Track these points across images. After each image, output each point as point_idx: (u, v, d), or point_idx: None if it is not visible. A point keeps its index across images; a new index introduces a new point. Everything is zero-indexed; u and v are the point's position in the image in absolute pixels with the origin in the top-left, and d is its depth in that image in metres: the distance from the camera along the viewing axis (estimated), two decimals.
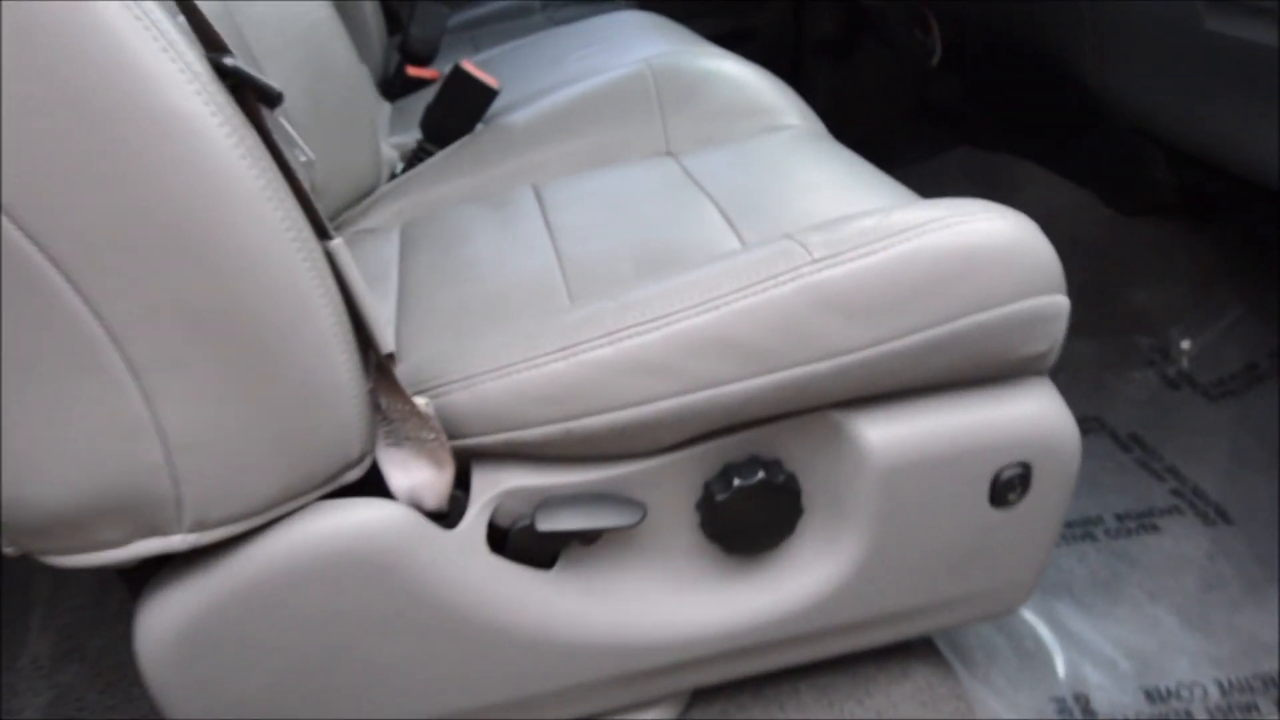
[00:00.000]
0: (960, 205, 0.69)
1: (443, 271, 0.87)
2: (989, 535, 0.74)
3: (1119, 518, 1.16)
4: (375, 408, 0.65)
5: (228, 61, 0.54)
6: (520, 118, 1.13)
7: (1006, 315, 0.66)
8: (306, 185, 0.58)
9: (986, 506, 0.73)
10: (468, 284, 0.83)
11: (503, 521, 0.68)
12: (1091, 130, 1.39)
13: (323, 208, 1.07)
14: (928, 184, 1.72)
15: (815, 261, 0.64)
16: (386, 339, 0.61)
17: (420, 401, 0.64)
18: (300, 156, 0.59)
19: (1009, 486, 0.72)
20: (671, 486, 0.69)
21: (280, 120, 0.58)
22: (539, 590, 0.69)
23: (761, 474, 0.68)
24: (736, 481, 0.67)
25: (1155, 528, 1.14)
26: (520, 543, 0.68)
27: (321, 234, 0.59)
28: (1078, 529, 1.14)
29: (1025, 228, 0.68)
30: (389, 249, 0.96)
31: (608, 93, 1.11)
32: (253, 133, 0.55)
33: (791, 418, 0.69)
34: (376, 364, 0.63)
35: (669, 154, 1.06)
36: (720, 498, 0.68)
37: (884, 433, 0.69)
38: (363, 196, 1.10)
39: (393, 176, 1.15)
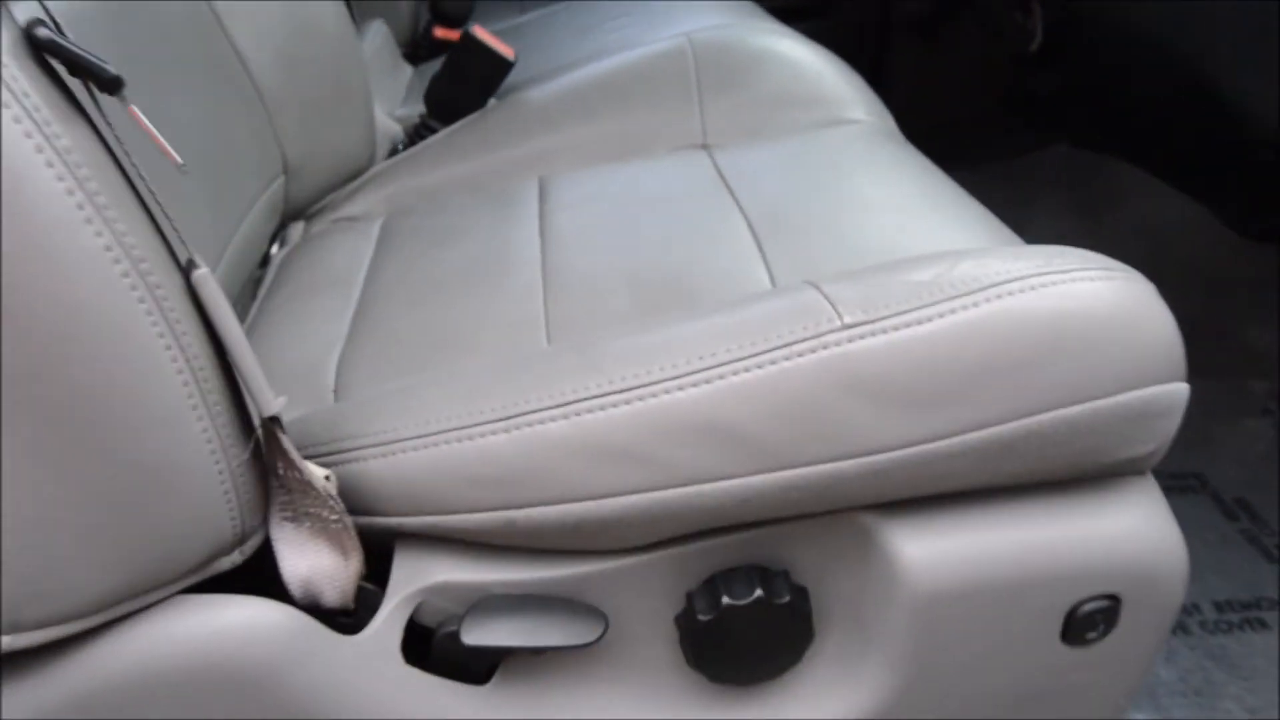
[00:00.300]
0: (1056, 256, 0.52)
1: (410, 285, 0.72)
2: (1056, 678, 0.57)
3: (1218, 607, 0.97)
4: (270, 474, 0.51)
5: (41, 33, 0.40)
6: (536, 95, 0.97)
7: (1106, 410, 0.49)
8: (159, 203, 0.44)
9: (1057, 644, 0.56)
10: (433, 305, 0.69)
11: (429, 620, 0.54)
12: (1216, 138, 1.18)
13: (299, 191, 0.94)
14: (1016, 185, 1.52)
15: (846, 328, 0.48)
16: (266, 399, 0.47)
17: (316, 473, 0.49)
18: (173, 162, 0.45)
19: (1088, 623, 0.55)
20: (643, 593, 0.54)
21: (133, 113, 0.44)
22: (467, 712, 0.54)
23: (759, 592, 0.52)
24: (725, 600, 0.52)
25: (1263, 623, 0.96)
26: (445, 651, 0.53)
27: (185, 264, 0.45)
28: None
29: (1139, 294, 0.51)
30: (363, 246, 0.82)
31: (639, 71, 0.95)
32: (74, 130, 0.40)
33: (805, 519, 0.53)
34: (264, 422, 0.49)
35: (704, 146, 0.89)
36: (704, 618, 0.52)
37: (927, 547, 0.52)
38: (354, 175, 0.95)
39: (394, 154, 1.01)
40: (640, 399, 0.48)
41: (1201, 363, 1.23)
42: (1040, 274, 0.50)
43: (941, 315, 0.48)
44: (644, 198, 0.78)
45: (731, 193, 0.77)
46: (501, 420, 0.50)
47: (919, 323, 0.47)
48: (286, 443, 0.48)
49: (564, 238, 0.73)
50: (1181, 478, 1.10)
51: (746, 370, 0.48)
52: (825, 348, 0.47)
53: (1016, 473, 0.51)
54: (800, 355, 0.47)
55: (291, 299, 0.76)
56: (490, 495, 0.50)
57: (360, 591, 0.53)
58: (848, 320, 0.48)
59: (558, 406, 0.49)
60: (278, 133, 0.85)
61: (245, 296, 0.81)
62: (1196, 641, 0.93)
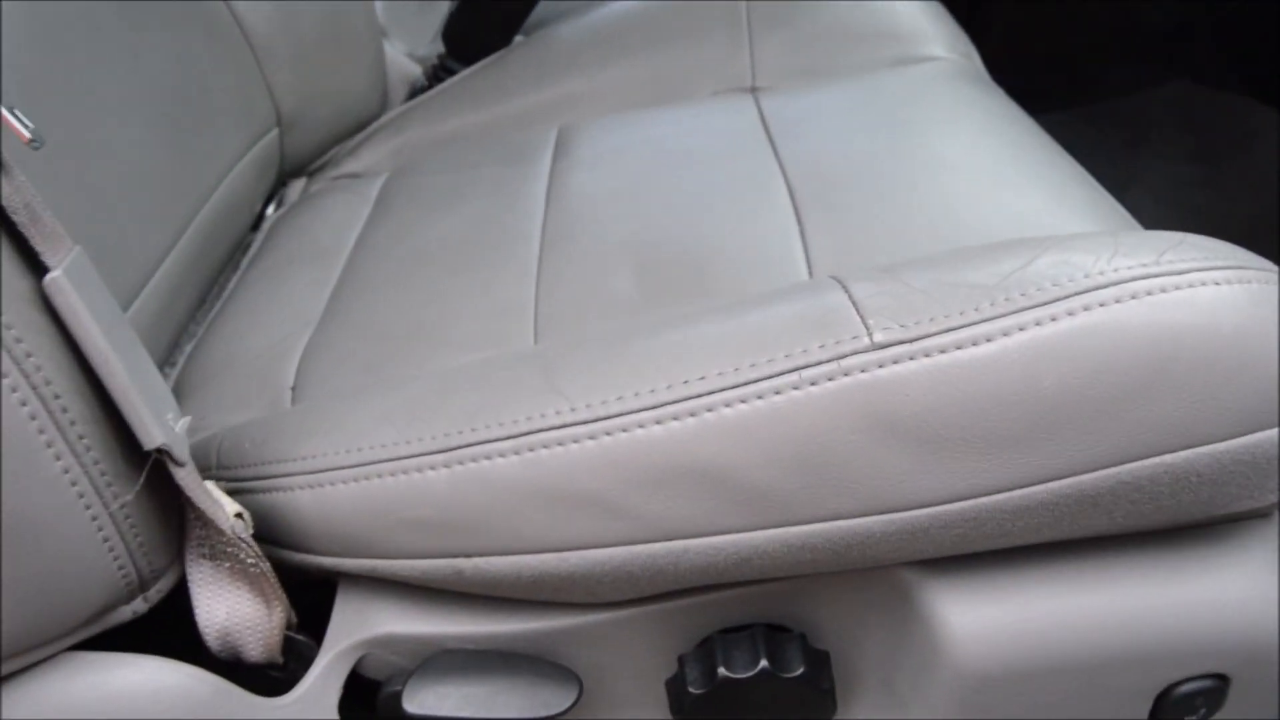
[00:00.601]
0: (1170, 249, 0.39)
1: (396, 259, 0.63)
2: None
3: None
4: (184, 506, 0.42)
5: None
6: (567, 32, 0.86)
7: (1226, 455, 0.37)
8: (15, 186, 0.35)
9: None
10: (415, 286, 0.59)
11: (375, 674, 0.46)
12: None
13: (298, 145, 0.85)
14: (1126, 127, 1.35)
15: (876, 348, 0.37)
16: (146, 429, 0.38)
17: (222, 512, 0.41)
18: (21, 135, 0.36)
19: (1185, 707, 0.44)
20: (627, 653, 0.45)
21: None
22: None
23: (764, 663, 0.42)
24: (722, 671, 0.42)
25: None
26: (392, 713, 0.45)
27: (35, 267, 0.36)
28: None
29: (1273, 303, 0.39)
30: (359, 209, 0.72)
31: (681, 3, 0.83)
32: None
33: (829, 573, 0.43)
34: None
35: (752, 90, 0.77)
36: (695, 691, 0.43)
37: (979, 614, 0.41)
38: (362, 126, 0.86)
39: (412, 98, 0.91)
40: (608, 433, 0.38)
41: None
42: (1147, 276, 0.38)
43: (1006, 334, 0.36)
44: (670, 153, 0.67)
45: (774, 149, 0.65)
46: (441, 452, 0.40)
47: (974, 343, 0.36)
48: (184, 477, 0.40)
49: (572, 203, 0.63)
50: None
51: (743, 401, 0.37)
52: (846, 374, 0.36)
53: (1099, 527, 0.40)
54: (814, 384, 0.36)
55: (269, 272, 0.68)
56: (431, 541, 0.41)
57: (291, 643, 0.45)
58: (879, 338, 0.37)
59: (509, 438, 0.39)
60: (269, 80, 0.76)
61: (228, 264, 0.73)
62: None
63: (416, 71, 0.93)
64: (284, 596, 0.43)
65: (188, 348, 0.64)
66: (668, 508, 0.38)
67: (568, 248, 0.58)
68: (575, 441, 0.38)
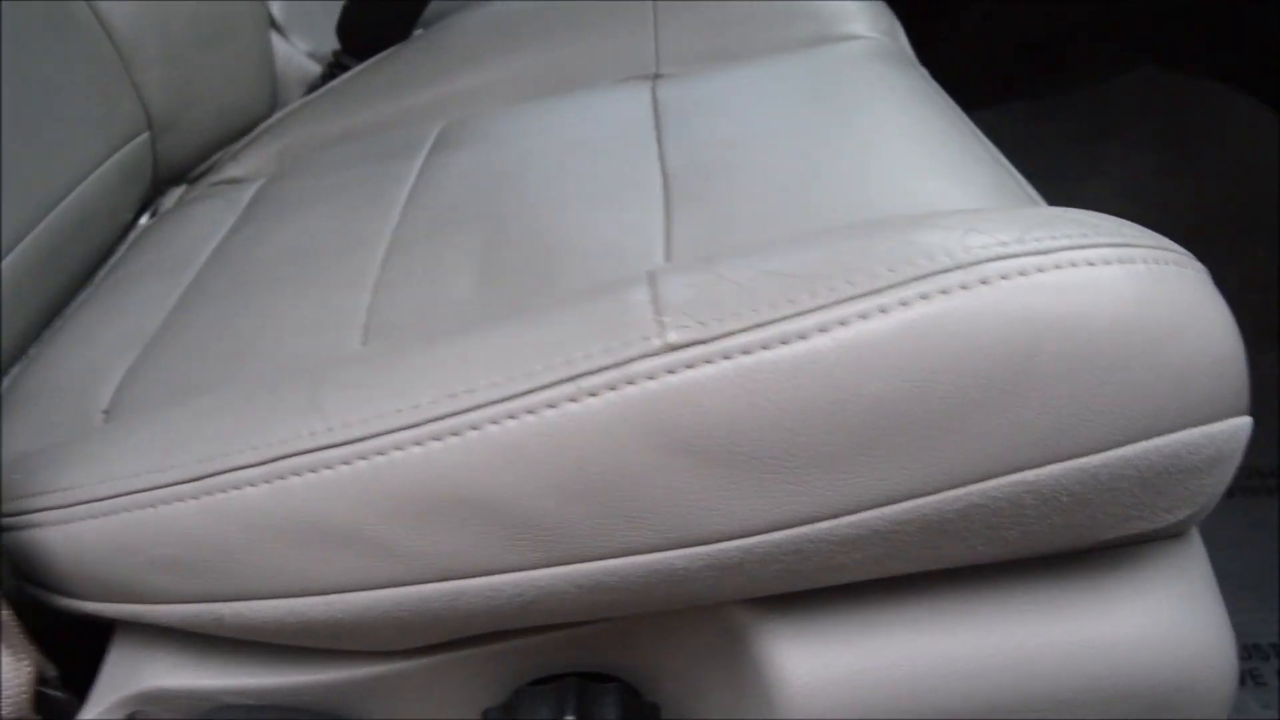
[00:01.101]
0: (1068, 225, 0.33)
1: (242, 270, 0.58)
2: None
3: None
4: None
5: None
6: (468, 24, 0.81)
7: (1094, 472, 0.32)
8: None
9: None
10: (251, 298, 0.54)
11: None
12: None
13: (174, 150, 0.79)
14: (1096, 115, 1.29)
15: (668, 350, 0.31)
16: None
17: None
18: None
19: None
20: (427, 707, 0.39)
21: None
22: None
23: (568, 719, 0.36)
24: None
25: None
26: None
27: None
28: (1239, 660, 0.76)
29: (1188, 288, 0.33)
30: (225, 217, 0.67)
31: None
32: None
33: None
34: None
35: (654, 77, 0.72)
36: None
37: (820, 663, 0.35)
38: (249, 129, 0.81)
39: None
40: (363, 458, 0.32)
41: None
42: (1004, 256, 0.32)
43: (823, 329, 0.30)
44: (546, 147, 0.61)
45: (659, 137, 0.59)
46: (191, 482, 0.34)
47: (783, 342, 0.30)
48: None
49: (432, 202, 0.57)
50: (1260, 475, 0.89)
51: (512, 417, 0.31)
52: (631, 383, 0.30)
53: (958, 557, 0.34)
54: (594, 395, 0.31)
55: (117, 286, 0.62)
56: (185, 583, 0.35)
57: (45, 700, 0.39)
58: (673, 339, 0.31)
59: (260, 464, 0.34)
60: (136, 80, 0.71)
61: (87, 278, 0.68)
62: (1272, 697, 0.73)
63: (316, 71, 0.88)
64: (32, 648, 0.38)
65: (14, 369, 0.58)
66: (434, 543, 0.32)
67: (416, 250, 0.53)
68: (328, 468, 0.33)
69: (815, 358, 0.30)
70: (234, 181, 0.75)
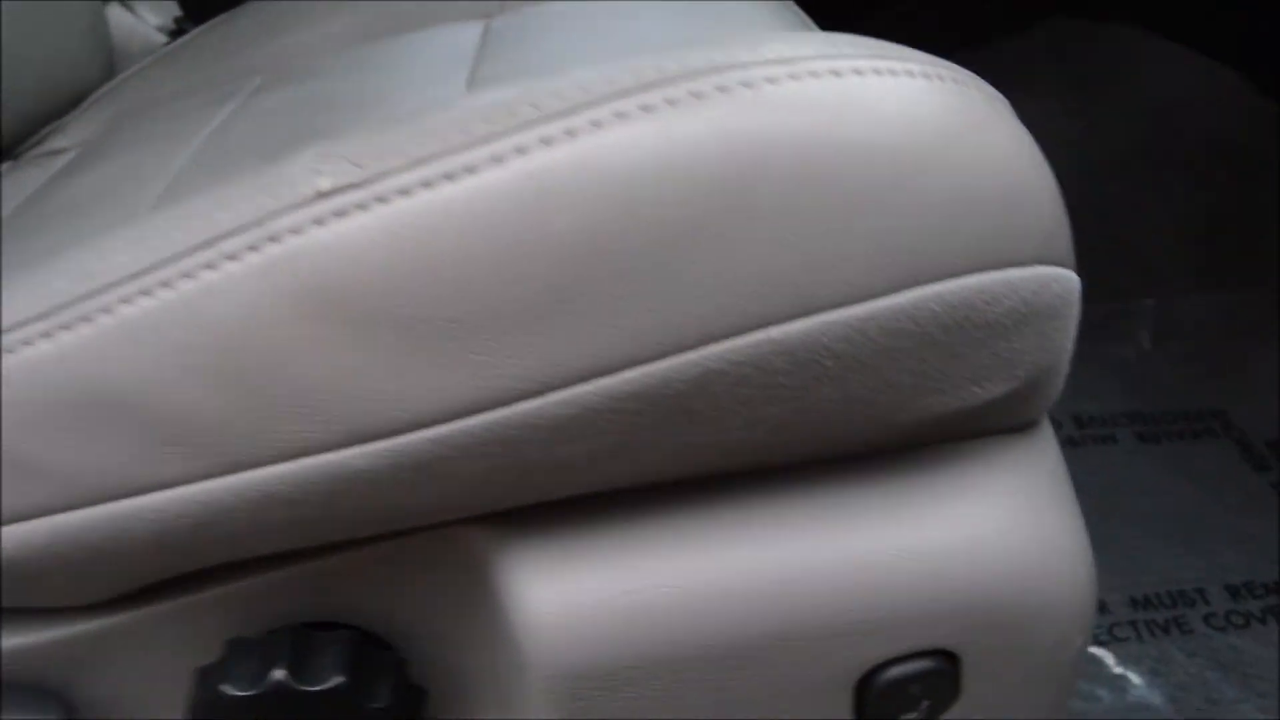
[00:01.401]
0: (825, 44, 0.28)
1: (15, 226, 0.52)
2: None
3: (1232, 593, 0.72)
4: None
5: None
6: None
7: (878, 316, 0.27)
8: None
9: None
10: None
11: None
12: None
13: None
14: (1007, 71, 1.25)
15: (320, 197, 0.26)
16: None
17: None
18: None
19: (897, 699, 0.32)
20: (129, 671, 0.33)
21: None
22: None
23: (278, 675, 0.30)
24: (225, 689, 0.30)
25: None
26: None
27: None
28: (1164, 608, 0.71)
29: (958, 102, 0.28)
30: (28, 190, 0.62)
31: None
32: None
33: (377, 540, 0.31)
34: None
35: (497, 13, 0.67)
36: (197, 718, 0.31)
37: (566, 587, 0.30)
38: (80, 99, 0.76)
39: None
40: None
41: (1225, 268, 0.96)
42: (752, 63, 0.27)
43: (498, 160, 0.25)
44: (358, 78, 0.56)
45: (476, 57, 0.55)
46: None
47: (448, 178, 0.25)
48: None
49: (224, 142, 0.52)
50: (1199, 419, 0.84)
51: (145, 294, 0.26)
52: (274, 240, 0.25)
53: (725, 448, 0.29)
54: (232, 259, 0.25)
55: None
56: None
57: None
58: (322, 185, 0.26)
59: None
60: None
61: None
62: (1199, 644, 0.68)
63: (159, 40, 0.83)
64: None
65: None
66: (82, 456, 0.27)
67: (199, 180, 0.48)
68: None
69: (488, 193, 0.25)
70: (58, 152, 0.70)
